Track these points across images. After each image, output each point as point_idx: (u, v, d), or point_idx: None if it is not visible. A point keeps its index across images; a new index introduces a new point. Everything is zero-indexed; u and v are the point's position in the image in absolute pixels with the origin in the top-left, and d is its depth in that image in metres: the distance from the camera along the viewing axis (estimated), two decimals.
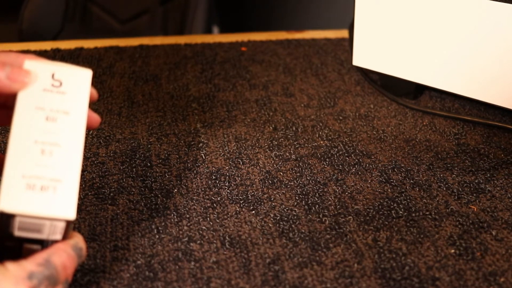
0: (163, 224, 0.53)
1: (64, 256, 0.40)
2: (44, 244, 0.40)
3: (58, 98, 0.41)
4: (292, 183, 0.59)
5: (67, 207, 0.39)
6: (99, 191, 0.57)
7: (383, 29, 0.74)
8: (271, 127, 0.69)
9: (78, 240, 0.42)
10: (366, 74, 0.82)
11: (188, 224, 0.53)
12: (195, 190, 0.58)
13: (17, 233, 0.39)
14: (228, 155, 0.64)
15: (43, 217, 0.38)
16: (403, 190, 0.58)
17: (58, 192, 0.39)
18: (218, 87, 0.80)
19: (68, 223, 0.40)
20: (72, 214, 0.39)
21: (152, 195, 0.57)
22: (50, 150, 0.40)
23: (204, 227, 0.53)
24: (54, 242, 0.41)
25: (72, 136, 0.41)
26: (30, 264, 0.38)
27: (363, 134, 0.68)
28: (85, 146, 0.65)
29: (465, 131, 0.69)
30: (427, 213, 0.55)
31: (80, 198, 0.56)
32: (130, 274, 0.47)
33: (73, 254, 0.41)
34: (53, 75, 0.42)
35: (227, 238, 0.51)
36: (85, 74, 0.43)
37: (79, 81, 0.43)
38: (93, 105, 0.74)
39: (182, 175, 0.60)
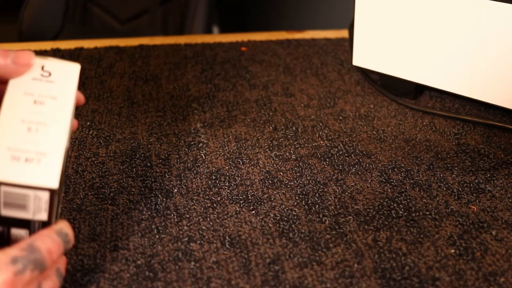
0: (163, 224, 0.53)
1: (49, 241, 0.40)
2: (31, 228, 0.41)
3: (47, 86, 0.43)
4: (292, 183, 0.59)
5: (50, 177, 0.40)
6: (99, 191, 0.57)
7: (383, 29, 0.74)
8: (271, 127, 0.69)
9: (62, 225, 0.42)
10: (366, 74, 0.82)
11: (188, 224, 0.53)
12: (195, 190, 0.58)
13: (3, 211, 0.40)
14: (228, 155, 0.64)
15: (26, 185, 0.39)
16: (403, 190, 0.58)
17: (42, 163, 0.40)
18: (218, 87, 0.80)
19: (52, 199, 0.40)
20: (55, 184, 0.40)
21: (152, 195, 0.57)
22: (36, 128, 0.41)
23: (204, 227, 0.53)
24: (41, 225, 0.41)
25: (59, 116, 0.42)
26: (13, 250, 0.39)
27: (363, 134, 0.68)
28: (85, 146, 0.65)
29: (465, 131, 0.69)
30: (427, 213, 0.55)
31: (80, 198, 0.56)
32: (130, 274, 0.47)
33: (57, 239, 0.41)
34: (42, 67, 0.44)
35: (227, 238, 0.51)
36: (73, 67, 0.45)
37: (67, 72, 0.45)
38: (93, 105, 0.74)
39: (182, 175, 0.60)
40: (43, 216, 0.41)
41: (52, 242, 0.41)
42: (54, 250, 0.40)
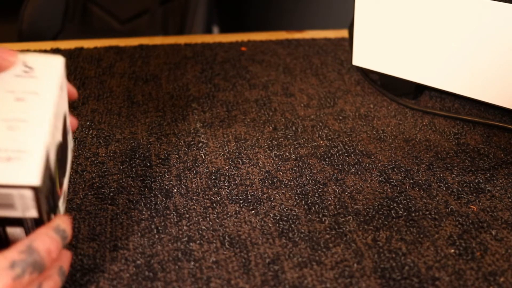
0: (162, 224, 0.53)
1: (47, 240, 0.40)
2: (24, 226, 0.41)
3: (29, 82, 0.43)
4: (292, 183, 0.59)
5: (31, 174, 0.39)
6: (99, 191, 0.57)
7: (383, 29, 0.74)
8: (271, 127, 0.69)
9: (59, 222, 0.42)
10: (366, 74, 0.82)
11: (188, 224, 0.53)
12: (195, 190, 0.58)
13: None
14: (228, 155, 0.64)
15: (8, 185, 0.39)
16: (403, 190, 0.58)
17: (22, 161, 0.40)
18: (218, 87, 0.80)
19: (38, 196, 0.39)
20: (35, 181, 0.39)
21: (152, 195, 0.57)
22: (18, 126, 0.41)
23: (203, 227, 0.53)
24: (33, 222, 0.41)
25: (40, 112, 0.42)
26: (12, 253, 0.38)
27: (363, 134, 0.68)
28: (85, 146, 0.65)
29: (465, 131, 0.69)
30: (427, 213, 0.55)
31: (79, 198, 0.56)
32: (130, 274, 0.47)
33: (56, 237, 0.41)
34: (25, 64, 0.44)
35: (226, 238, 0.51)
36: (56, 61, 0.45)
37: (50, 66, 0.44)
38: (93, 105, 0.74)
39: (182, 175, 0.60)
40: (32, 213, 0.40)
41: (51, 240, 0.40)
42: (52, 249, 0.40)
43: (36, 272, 0.39)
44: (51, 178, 0.42)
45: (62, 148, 0.46)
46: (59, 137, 0.44)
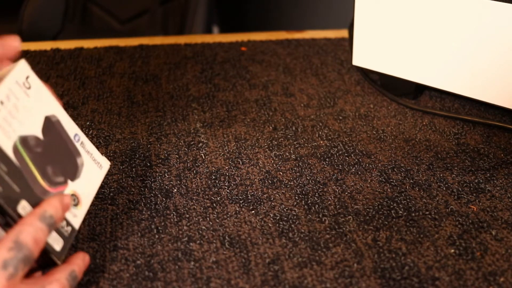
0: (162, 224, 0.53)
1: (32, 231, 0.39)
2: None
3: None
4: (291, 183, 0.59)
5: None
6: (99, 191, 0.57)
7: (383, 29, 0.74)
8: (271, 127, 0.69)
9: (46, 207, 0.41)
10: (366, 74, 0.82)
11: (188, 224, 0.53)
12: (195, 190, 0.58)
13: None
14: (228, 155, 0.64)
15: None
16: (403, 190, 0.58)
17: None
18: (218, 87, 0.80)
19: None
20: None
21: (152, 195, 0.57)
22: None
23: (203, 227, 0.53)
24: None
25: None
26: (1, 252, 0.38)
27: (363, 134, 0.68)
28: None
29: (465, 131, 0.69)
30: (427, 213, 0.55)
31: None
32: (130, 274, 0.47)
33: (41, 225, 0.40)
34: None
35: (226, 238, 0.51)
36: (16, 64, 0.46)
37: (10, 71, 0.45)
38: (93, 105, 0.74)
39: (182, 175, 0.60)
40: None
41: (36, 231, 0.39)
42: (39, 238, 0.39)
43: (27, 266, 0.38)
44: (7, 162, 0.41)
45: (46, 146, 0.45)
46: (28, 131, 0.44)
